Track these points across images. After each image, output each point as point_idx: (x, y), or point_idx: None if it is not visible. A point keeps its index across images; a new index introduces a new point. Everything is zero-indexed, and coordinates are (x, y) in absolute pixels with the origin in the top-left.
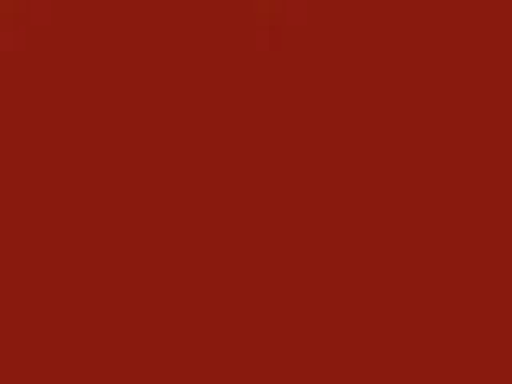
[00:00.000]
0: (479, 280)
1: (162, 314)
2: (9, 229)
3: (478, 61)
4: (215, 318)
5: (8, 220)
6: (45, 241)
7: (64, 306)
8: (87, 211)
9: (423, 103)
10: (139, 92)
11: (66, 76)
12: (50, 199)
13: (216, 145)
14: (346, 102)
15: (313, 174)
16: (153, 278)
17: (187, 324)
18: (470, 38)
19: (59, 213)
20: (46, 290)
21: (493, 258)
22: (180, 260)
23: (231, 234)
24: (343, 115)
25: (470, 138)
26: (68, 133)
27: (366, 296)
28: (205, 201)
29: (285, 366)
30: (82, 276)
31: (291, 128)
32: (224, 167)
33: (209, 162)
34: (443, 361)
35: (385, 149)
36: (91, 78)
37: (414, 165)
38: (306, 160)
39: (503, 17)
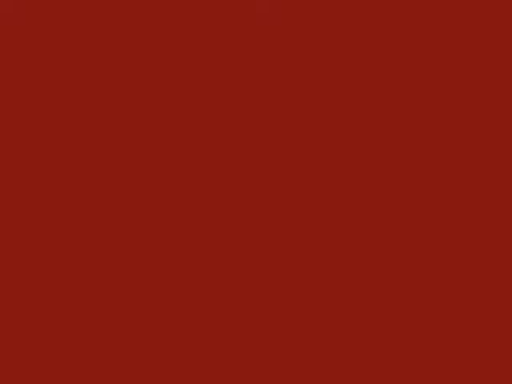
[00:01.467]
0: (479, 280)
1: (162, 314)
2: (9, 229)
3: (468, 60)
4: (215, 317)
5: (8, 220)
6: (44, 240)
7: (64, 305)
8: (86, 210)
9: (422, 102)
10: (137, 89)
11: (65, 76)
12: (47, 195)
13: (216, 143)
14: (346, 102)
15: (313, 172)
16: (153, 277)
17: (187, 323)
18: (469, 36)
19: (57, 210)
20: (46, 290)
21: (493, 258)
22: (180, 259)
23: (230, 231)
24: (343, 114)
25: (469, 137)
26: (68, 132)
27: (365, 295)
28: (202, 197)
29: (285, 365)
30: (82, 275)
31: (291, 127)
32: (222, 166)
33: (207, 161)
34: (443, 360)
35: (383, 147)
36: (91, 78)
37: (410, 161)
38: (306, 158)
39: (503, 17)
